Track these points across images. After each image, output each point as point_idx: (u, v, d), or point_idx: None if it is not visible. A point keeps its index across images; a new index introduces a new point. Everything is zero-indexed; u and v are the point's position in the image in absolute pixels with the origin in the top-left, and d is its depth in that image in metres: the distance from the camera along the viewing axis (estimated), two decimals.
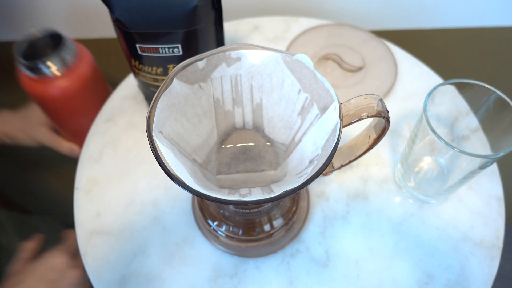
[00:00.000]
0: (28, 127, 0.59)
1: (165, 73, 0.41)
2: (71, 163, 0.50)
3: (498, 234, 0.39)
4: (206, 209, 0.39)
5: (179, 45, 0.38)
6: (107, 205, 0.41)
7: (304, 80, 0.29)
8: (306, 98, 0.29)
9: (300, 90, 0.30)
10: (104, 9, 0.37)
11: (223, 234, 0.38)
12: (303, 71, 0.29)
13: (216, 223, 0.38)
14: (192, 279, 0.37)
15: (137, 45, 0.38)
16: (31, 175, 0.84)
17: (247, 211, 0.35)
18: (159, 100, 0.27)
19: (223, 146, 0.33)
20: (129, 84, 0.51)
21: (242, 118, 0.33)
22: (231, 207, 0.36)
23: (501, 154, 0.32)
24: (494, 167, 0.44)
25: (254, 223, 0.37)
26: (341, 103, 0.27)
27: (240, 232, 0.37)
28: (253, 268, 0.38)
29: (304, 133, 0.30)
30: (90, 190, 0.42)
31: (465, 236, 0.39)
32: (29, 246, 0.49)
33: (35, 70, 0.50)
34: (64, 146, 0.59)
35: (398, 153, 0.45)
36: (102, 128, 0.47)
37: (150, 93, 0.44)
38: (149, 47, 0.38)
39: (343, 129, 0.26)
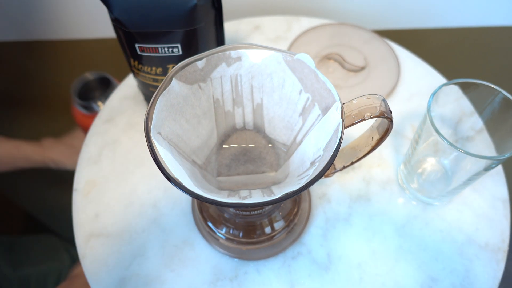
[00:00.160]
0: (73, 153, 0.66)
1: (165, 73, 0.40)
2: None
3: (503, 236, 0.39)
4: (206, 211, 0.38)
5: (179, 45, 0.37)
6: (106, 206, 0.41)
7: (306, 80, 0.29)
8: (308, 99, 0.29)
9: (301, 90, 0.29)
10: (103, 9, 0.37)
11: (223, 237, 0.37)
12: (305, 70, 0.28)
13: (216, 225, 0.37)
14: (192, 281, 0.36)
15: (136, 45, 0.38)
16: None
17: (248, 213, 0.35)
18: (158, 101, 0.26)
19: (223, 147, 0.33)
20: (129, 85, 0.51)
21: (243, 118, 0.33)
22: (231, 209, 0.35)
23: (507, 155, 0.31)
24: (499, 168, 0.43)
25: (254, 225, 0.37)
26: (343, 104, 0.27)
27: (241, 234, 0.37)
28: (253, 271, 0.37)
29: (306, 134, 0.29)
30: (89, 192, 0.42)
31: (469, 239, 0.39)
32: None
33: (88, 108, 0.65)
34: None
35: (401, 154, 0.45)
36: (101, 129, 0.47)
37: (149, 94, 0.44)
38: (149, 47, 0.38)
39: (345, 130, 0.26)
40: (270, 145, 0.33)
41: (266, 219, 0.37)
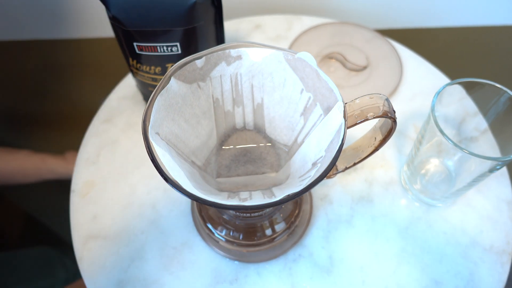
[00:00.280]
0: None
1: (164, 72, 0.40)
2: None
3: (508, 239, 0.38)
4: (206, 212, 0.38)
5: (178, 44, 0.37)
6: (104, 208, 0.40)
7: (307, 79, 0.28)
8: (309, 98, 0.28)
9: (302, 90, 0.29)
10: (102, 7, 0.36)
11: (223, 239, 0.36)
12: (306, 69, 0.28)
13: (216, 227, 0.37)
14: (191, 285, 0.36)
15: (135, 44, 0.37)
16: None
17: (248, 215, 0.34)
18: (156, 100, 0.26)
19: (223, 147, 0.32)
20: (128, 84, 0.50)
21: (243, 118, 0.32)
22: (231, 211, 0.35)
23: None
24: (503, 169, 0.42)
25: (255, 227, 0.36)
26: (346, 103, 0.26)
27: (241, 236, 0.36)
28: (254, 273, 0.36)
29: (307, 134, 0.29)
30: (87, 193, 0.41)
31: (473, 241, 0.38)
32: None
33: None
34: None
35: (404, 154, 0.44)
36: (99, 129, 0.46)
37: (148, 93, 0.43)
38: (147, 46, 0.37)
39: (347, 131, 0.25)
40: (270, 145, 0.32)
41: (266, 221, 0.36)
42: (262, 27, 0.57)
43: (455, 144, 0.31)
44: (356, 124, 0.26)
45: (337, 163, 0.32)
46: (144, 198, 0.41)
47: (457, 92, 0.36)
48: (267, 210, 0.34)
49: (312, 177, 0.24)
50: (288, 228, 0.37)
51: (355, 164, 0.31)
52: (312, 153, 0.27)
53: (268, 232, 0.36)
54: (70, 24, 0.70)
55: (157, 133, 0.25)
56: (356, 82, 0.50)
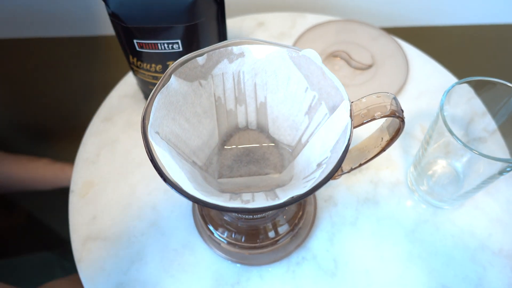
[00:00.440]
0: None
1: (165, 70, 0.39)
2: None
3: None
4: (207, 214, 0.37)
5: (179, 41, 0.36)
6: (104, 209, 0.39)
7: (312, 77, 0.27)
8: (314, 97, 0.27)
9: (307, 88, 0.28)
10: (101, 4, 0.35)
11: (224, 241, 0.36)
12: (311, 67, 0.27)
13: (217, 228, 0.36)
14: (192, 287, 0.35)
15: (135, 41, 0.36)
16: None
17: (251, 217, 0.33)
18: (156, 99, 0.25)
19: (225, 147, 0.31)
20: (128, 82, 0.50)
21: (245, 118, 0.31)
22: (233, 213, 0.34)
23: None
24: None
25: (257, 229, 0.35)
26: (352, 102, 0.25)
27: (243, 238, 0.35)
28: (256, 276, 0.35)
29: (312, 134, 0.28)
30: (86, 193, 0.40)
31: (482, 244, 0.37)
32: None
33: None
34: None
35: (410, 155, 0.43)
36: (99, 128, 0.46)
37: (149, 92, 0.43)
38: (148, 43, 0.36)
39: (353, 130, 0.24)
40: (274, 145, 0.31)
41: (269, 223, 0.35)
42: (265, 24, 0.56)
43: (465, 145, 0.30)
44: (362, 123, 0.25)
45: (342, 164, 0.31)
46: (144, 199, 0.40)
47: (466, 91, 0.35)
48: (270, 212, 0.34)
49: (317, 179, 0.23)
50: (291, 230, 0.36)
51: (361, 165, 0.30)
52: (317, 153, 0.26)
53: (271, 234, 0.35)
54: (70, 22, 0.69)
55: (157, 133, 0.25)
56: (361, 80, 0.49)
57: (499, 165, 0.31)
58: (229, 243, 0.36)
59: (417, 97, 0.47)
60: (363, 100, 0.26)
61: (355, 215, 0.39)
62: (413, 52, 0.52)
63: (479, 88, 0.34)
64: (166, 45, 0.36)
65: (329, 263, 0.36)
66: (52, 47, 0.85)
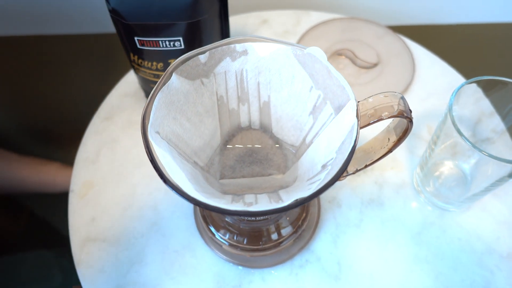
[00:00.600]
0: None
1: (166, 68, 0.38)
2: None
3: None
4: (209, 215, 0.36)
5: (181, 38, 0.35)
6: (103, 209, 0.39)
7: (317, 76, 0.26)
8: (319, 96, 0.27)
9: (312, 87, 0.27)
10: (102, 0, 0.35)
11: (226, 243, 0.35)
12: (316, 66, 0.26)
13: (219, 230, 0.35)
14: None
15: (136, 38, 0.35)
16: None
17: (253, 218, 0.33)
18: (156, 97, 0.24)
19: (227, 147, 0.30)
20: (129, 81, 0.49)
21: (248, 117, 0.30)
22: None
23: None
24: None
25: (260, 231, 0.35)
26: (358, 102, 0.24)
27: (245, 240, 0.35)
28: (258, 279, 0.35)
29: (316, 134, 0.27)
30: (86, 194, 0.40)
31: (490, 248, 0.36)
32: None
33: None
34: None
35: (416, 156, 0.42)
36: (99, 127, 0.45)
37: (150, 90, 0.42)
38: (149, 40, 0.35)
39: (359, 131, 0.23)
40: (277, 145, 0.31)
41: (272, 224, 0.35)
42: (269, 22, 0.55)
43: (474, 146, 0.29)
44: (369, 124, 0.24)
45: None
46: (145, 199, 0.39)
47: (475, 91, 0.34)
48: (273, 214, 0.33)
49: (323, 181, 0.22)
50: (295, 232, 0.35)
51: (366, 166, 0.30)
52: (322, 154, 0.26)
53: (274, 236, 0.35)
54: (69, 19, 0.68)
55: (157, 132, 0.24)
56: (366, 80, 0.48)
57: (508, 168, 0.30)
58: (231, 245, 0.35)
59: (423, 97, 0.47)
60: (370, 99, 0.25)
61: (360, 216, 0.38)
62: (419, 51, 0.51)
63: (489, 88, 0.33)
64: (167, 42, 0.36)
65: (333, 266, 0.35)
66: (51, 45, 0.84)
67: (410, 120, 0.25)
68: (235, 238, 0.35)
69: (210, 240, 0.36)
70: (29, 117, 0.89)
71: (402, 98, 0.25)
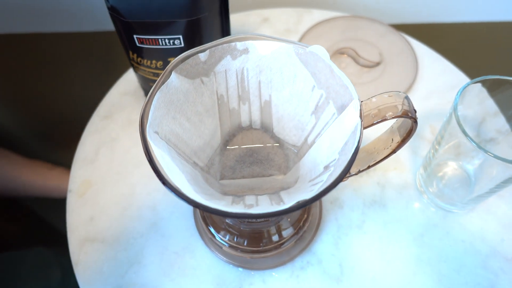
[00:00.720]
0: None
1: (166, 67, 0.37)
2: None
3: None
4: (209, 216, 0.36)
5: (181, 36, 0.35)
6: (102, 209, 0.38)
7: (319, 74, 0.26)
8: (321, 95, 0.26)
9: (314, 86, 0.26)
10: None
11: (226, 244, 0.34)
12: (318, 64, 0.26)
13: (219, 231, 0.35)
14: None
15: (135, 36, 0.35)
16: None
17: (254, 220, 0.32)
18: (155, 97, 0.24)
19: (227, 147, 0.30)
20: (129, 79, 0.48)
21: (249, 117, 0.30)
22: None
23: None
24: None
25: (261, 233, 0.34)
26: (361, 102, 0.24)
27: (245, 242, 0.34)
28: (259, 281, 0.34)
29: (318, 134, 0.27)
30: (84, 193, 0.39)
31: (494, 250, 0.36)
32: None
33: None
34: None
35: (419, 156, 0.41)
36: (98, 126, 0.44)
37: (149, 89, 0.41)
38: (148, 38, 0.35)
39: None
40: (278, 145, 0.30)
41: (273, 226, 0.34)
42: (270, 20, 0.54)
43: (480, 147, 0.29)
44: (372, 124, 0.24)
45: None
46: (144, 199, 0.39)
47: (480, 91, 0.33)
48: None
49: (325, 182, 0.22)
50: (296, 233, 0.35)
51: (369, 167, 0.29)
52: (324, 155, 0.25)
53: (275, 238, 0.34)
54: (68, 16, 0.68)
55: (156, 132, 0.23)
56: (368, 79, 0.47)
57: None
58: (231, 246, 0.34)
59: (426, 97, 0.46)
60: (373, 99, 0.24)
61: (362, 218, 0.38)
62: (422, 50, 0.51)
63: (494, 88, 0.32)
64: (167, 40, 0.35)
65: (334, 268, 0.35)
66: (50, 43, 0.84)
67: (415, 121, 0.24)
68: (235, 239, 0.34)
69: (210, 241, 0.36)
70: (28, 115, 0.88)
71: (407, 97, 0.24)
